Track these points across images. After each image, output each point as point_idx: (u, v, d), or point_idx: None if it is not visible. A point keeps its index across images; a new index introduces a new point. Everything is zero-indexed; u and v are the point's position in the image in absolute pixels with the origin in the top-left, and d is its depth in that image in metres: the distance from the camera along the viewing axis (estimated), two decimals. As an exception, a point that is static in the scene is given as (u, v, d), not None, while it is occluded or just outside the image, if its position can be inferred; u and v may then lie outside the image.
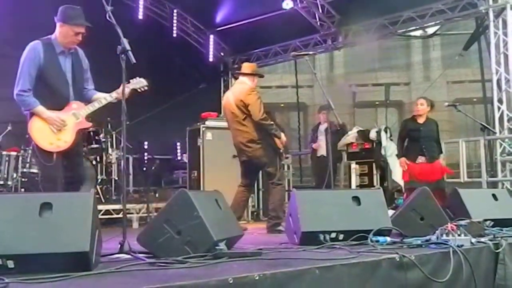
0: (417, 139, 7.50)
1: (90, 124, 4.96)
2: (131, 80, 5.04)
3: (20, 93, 4.65)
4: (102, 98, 4.92)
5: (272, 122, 6.57)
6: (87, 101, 5.01)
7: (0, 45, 8.99)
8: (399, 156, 7.79)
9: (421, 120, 7.56)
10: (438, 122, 7.79)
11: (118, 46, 3.98)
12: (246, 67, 6.85)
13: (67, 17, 4.71)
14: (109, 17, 4.29)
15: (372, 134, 9.75)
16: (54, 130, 4.68)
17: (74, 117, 4.80)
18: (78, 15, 4.71)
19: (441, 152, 7.70)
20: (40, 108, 4.67)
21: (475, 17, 9.92)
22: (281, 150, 6.59)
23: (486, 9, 9.08)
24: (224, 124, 7.17)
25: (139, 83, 5.07)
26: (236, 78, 7.30)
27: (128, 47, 3.95)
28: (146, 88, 5.11)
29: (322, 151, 9.76)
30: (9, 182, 8.05)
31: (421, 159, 7.42)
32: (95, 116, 8.82)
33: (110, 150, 9.04)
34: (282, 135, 6.61)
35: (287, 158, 9.80)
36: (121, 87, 4.78)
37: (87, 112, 4.88)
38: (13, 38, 9.07)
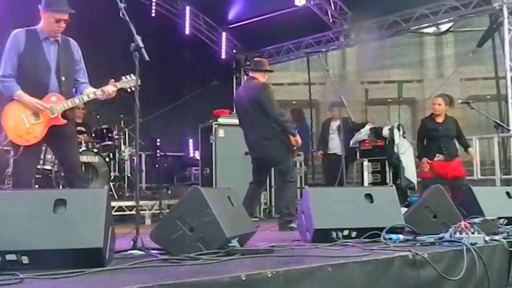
0: (436, 138, 7.45)
1: (64, 121, 4.74)
2: (122, 77, 4.94)
3: (1, 79, 4.62)
4: (85, 95, 4.81)
5: (287, 120, 6.54)
6: (79, 93, 4.90)
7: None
8: (420, 156, 7.72)
9: (440, 119, 7.50)
10: (453, 119, 7.74)
11: (132, 43, 3.98)
12: (257, 62, 6.82)
13: (47, 4, 4.67)
14: (123, 14, 4.32)
15: (385, 132, 9.71)
16: (26, 123, 4.58)
17: (50, 111, 4.65)
18: (58, 1, 4.63)
19: (469, 146, 7.67)
20: (20, 93, 4.59)
21: (489, 13, 9.84)
22: (294, 148, 6.56)
23: (500, 5, 9.01)
24: (236, 121, 7.16)
25: (129, 82, 4.92)
26: (247, 75, 7.28)
27: (141, 44, 3.95)
28: (138, 87, 5.04)
29: (334, 149, 9.72)
30: (23, 179, 8.10)
31: (439, 157, 7.38)
32: (108, 114, 8.97)
33: (123, 147, 9.08)
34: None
35: (299, 155, 9.79)
36: (108, 85, 4.83)
37: (64, 107, 4.71)
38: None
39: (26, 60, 4.64)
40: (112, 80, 4.87)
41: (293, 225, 5.99)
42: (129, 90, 4.93)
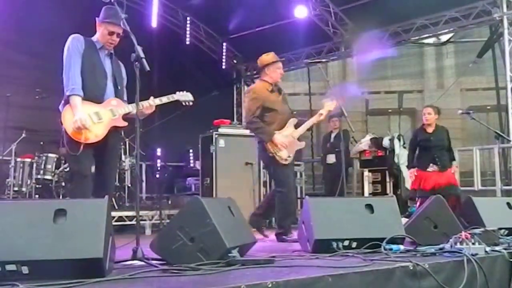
0: (428, 148, 7.46)
1: (126, 123, 4.73)
2: (177, 92, 5.04)
3: (72, 81, 4.52)
4: (151, 100, 4.82)
5: (258, 126, 6.01)
6: None
7: (5, 50, 9.12)
8: (408, 166, 7.74)
9: (430, 129, 7.52)
10: (452, 130, 7.75)
11: (132, 53, 3.99)
12: (257, 66, 6.60)
13: (103, 16, 4.70)
14: (124, 24, 4.34)
15: (385, 142, 9.73)
16: (88, 121, 4.49)
17: (111, 113, 4.63)
18: (113, 14, 4.61)
19: (454, 159, 7.63)
20: (78, 99, 4.49)
21: (489, 24, 9.89)
22: (270, 155, 5.98)
23: (501, 16, 9.04)
24: (237, 131, 7.14)
25: (185, 96, 5.06)
26: (248, 85, 7.23)
27: (142, 54, 3.96)
28: (191, 103, 5.10)
29: (332, 158, 9.74)
30: (24, 189, 8.12)
31: (432, 168, 7.38)
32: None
33: (123, 157, 9.08)
34: (279, 137, 5.97)
35: (298, 165, 9.76)
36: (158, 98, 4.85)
37: (125, 111, 4.70)
38: (16, 42, 9.16)
39: (86, 63, 4.61)
40: (152, 97, 4.85)
41: (285, 237, 5.89)
42: (183, 104, 5.07)
